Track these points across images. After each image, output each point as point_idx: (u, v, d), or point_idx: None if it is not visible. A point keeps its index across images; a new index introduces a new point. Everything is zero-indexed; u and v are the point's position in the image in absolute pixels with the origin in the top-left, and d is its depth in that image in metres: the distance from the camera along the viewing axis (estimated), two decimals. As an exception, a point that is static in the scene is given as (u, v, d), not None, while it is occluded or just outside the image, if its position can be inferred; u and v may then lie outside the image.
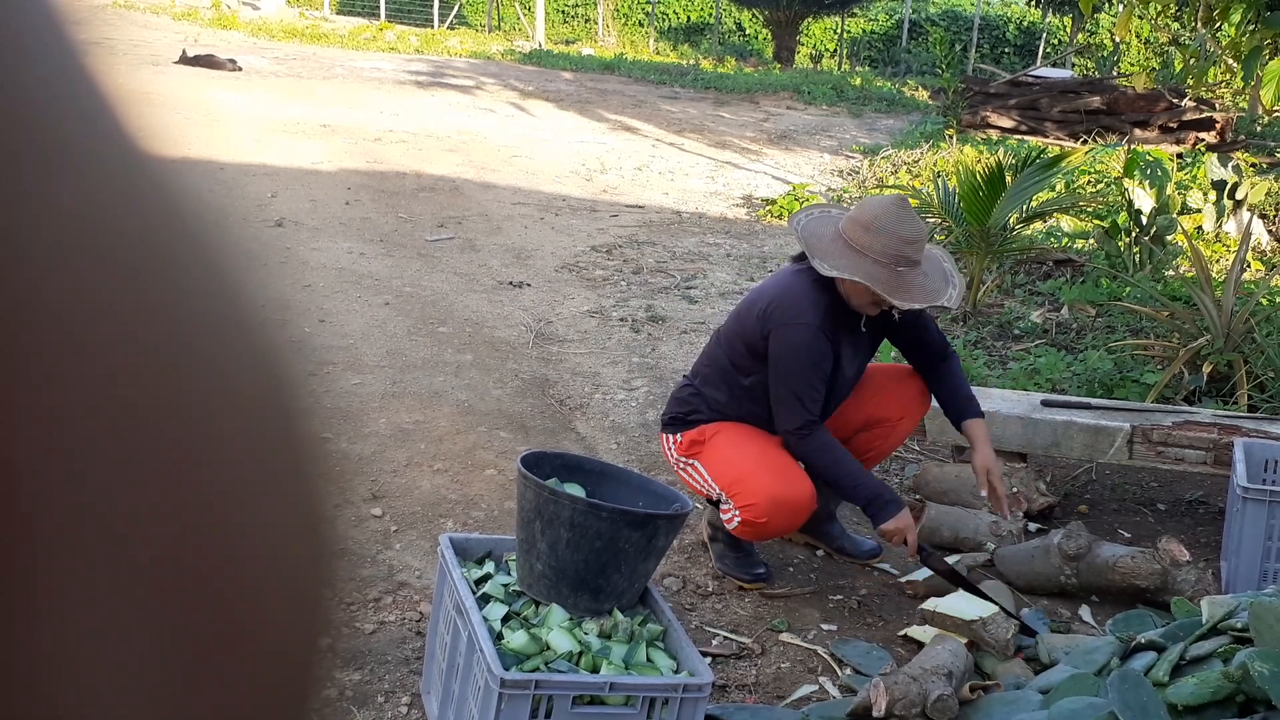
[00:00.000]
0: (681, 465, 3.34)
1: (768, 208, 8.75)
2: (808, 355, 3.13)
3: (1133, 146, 8.50)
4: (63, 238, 0.22)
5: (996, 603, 3.02)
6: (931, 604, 3.04)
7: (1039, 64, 20.44)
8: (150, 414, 0.23)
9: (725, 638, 3.07)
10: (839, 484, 3.19)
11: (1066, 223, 7.58)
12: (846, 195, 9.40)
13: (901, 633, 3.15)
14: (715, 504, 3.31)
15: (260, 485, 0.25)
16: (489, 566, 2.68)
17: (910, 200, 3.68)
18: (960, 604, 3.00)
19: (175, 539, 0.23)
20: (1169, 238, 6.57)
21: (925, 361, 3.42)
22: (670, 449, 3.38)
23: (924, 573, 3.33)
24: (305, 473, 0.27)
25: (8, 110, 0.22)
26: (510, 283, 6.16)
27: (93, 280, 0.22)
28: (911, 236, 3.09)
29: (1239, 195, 7.60)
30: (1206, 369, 4.72)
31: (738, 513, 3.17)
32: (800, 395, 3.14)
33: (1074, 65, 21.13)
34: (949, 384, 3.41)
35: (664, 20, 27.11)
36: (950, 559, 3.38)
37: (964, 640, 2.91)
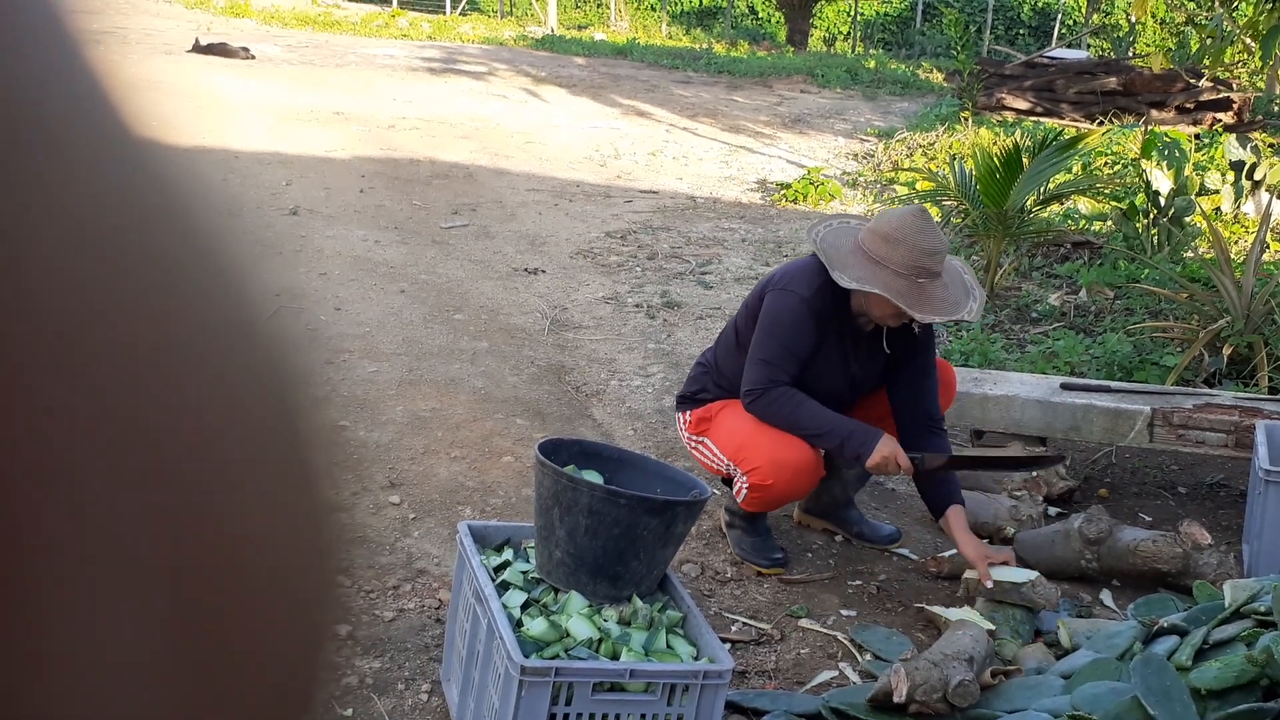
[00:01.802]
0: (693, 443, 3.40)
1: (782, 192, 8.72)
2: (788, 321, 3.13)
3: (1150, 127, 8.45)
4: (59, 239, 0.22)
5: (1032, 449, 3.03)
6: (975, 574, 3.06)
7: (1054, 45, 20.30)
8: (145, 415, 0.23)
9: (744, 624, 3.07)
10: (805, 433, 3.11)
11: (1084, 205, 7.53)
12: (862, 179, 9.37)
13: (918, 605, 3.15)
14: (729, 483, 3.32)
15: (259, 484, 0.25)
16: (508, 554, 2.68)
17: (928, 190, 3.66)
18: (1004, 573, 3.03)
19: (172, 539, 0.23)
20: (1187, 219, 6.53)
21: (913, 428, 3.25)
22: (682, 428, 3.45)
23: (949, 550, 3.34)
24: (308, 469, 0.27)
25: (4, 105, 0.21)
26: (525, 269, 6.16)
27: (88, 282, 0.22)
28: (932, 248, 3.07)
29: (1258, 176, 7.54)
30: (1227, 351, 4.69)
31: (745, 478, 3.19)
32: (768, 359, 3.13)
33: (1089, 46, 20.99)
34: None
35: (676, 4, 27.02)
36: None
37: (1011, 605, 2.96)
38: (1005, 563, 3.14)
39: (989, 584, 3.05)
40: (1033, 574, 3.04)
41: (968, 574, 3.12)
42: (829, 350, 3.20)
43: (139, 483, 0.23)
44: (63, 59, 0.23)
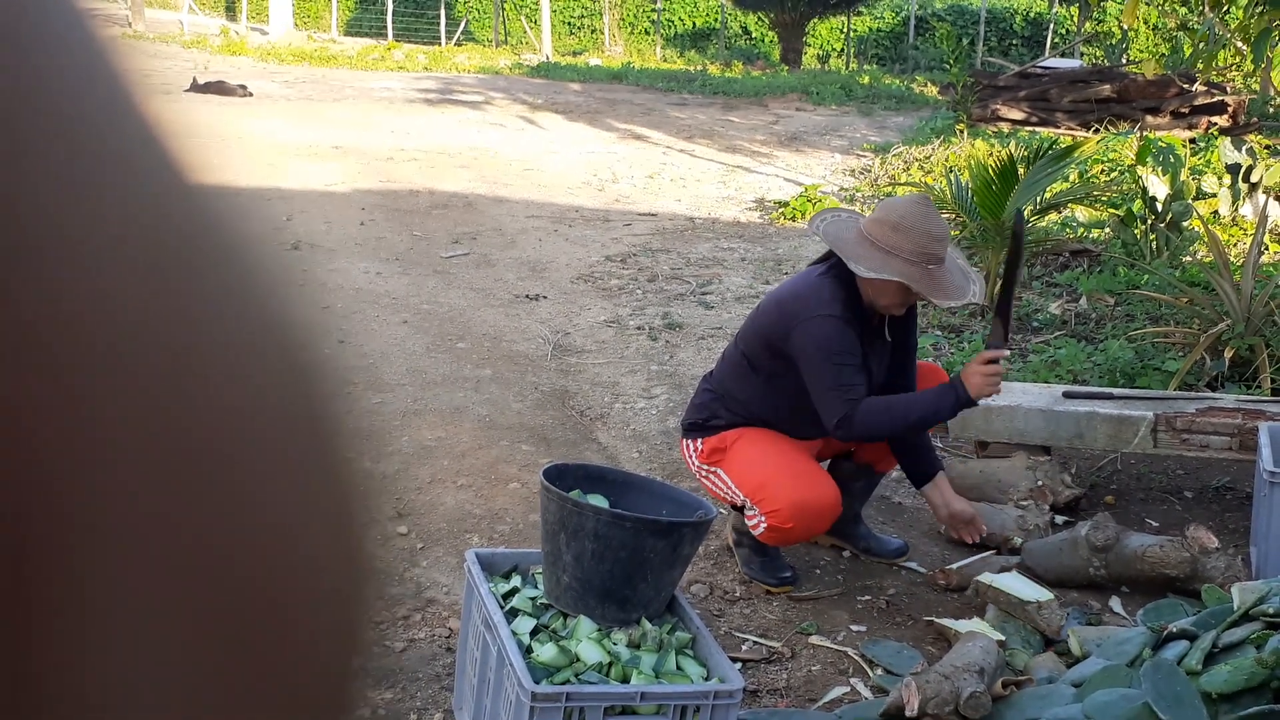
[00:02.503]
0: (704, 473, 3.35)
1: (780, 210, 8.75)
2: (837, 345, 3.11)
3: (1145, 133, 8.48)
4: (101, 246, 0.22)
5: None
6: (988, 579, 3.09)
7: (1047, 55, 20.36)
8: (181, 412, 0.23)
9: (754, 642, 3.07)
10: (912, 427, 3.21)
11: (1081, 213, 7.55)
12: (860, 194, 9.40)
13: (928, 618, 3.15)
14: (740, 509, 3.31)
15: (301, 496, 0.26)
16: (516, 580, 2.69)
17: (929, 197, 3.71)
18: (1017, 584, 3.03)
19: (213, 532, 0.23)
20: (1185, 224, 6.55)
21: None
22: (691, 456, 3.38)
23: (957, 562, 3.35)
24: (344, 489, 0.28)
25: (51, 119, 0.22)
26: (526, 296, 6.18)
27: (127, 286, 0.22)
28: (940, 234, 3.11)
29: (1254, 178, 7.56)
30: (1228, 354, 4.69)
31: (763, 519, 3.17)
32: (837, 386, 3.11)
33: (1083, 55, 21.05)
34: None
35: (670, 27, 27.15)
36: (977, 557, 3.40)
37: (1017, 619, 2.97)
38: (971, 523, 3.44)
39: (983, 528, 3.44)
40: (1046, 594, 3.03)
41: (978, 579, 3.13)
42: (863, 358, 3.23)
43: (178, 476, 0.23)
44: (91, 66, 0.23)
